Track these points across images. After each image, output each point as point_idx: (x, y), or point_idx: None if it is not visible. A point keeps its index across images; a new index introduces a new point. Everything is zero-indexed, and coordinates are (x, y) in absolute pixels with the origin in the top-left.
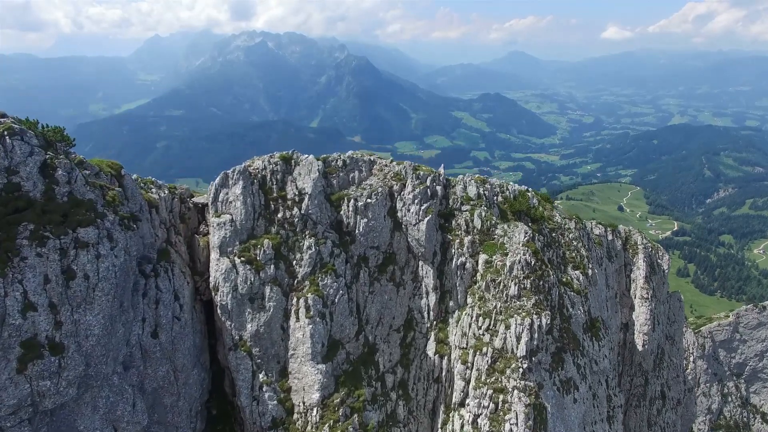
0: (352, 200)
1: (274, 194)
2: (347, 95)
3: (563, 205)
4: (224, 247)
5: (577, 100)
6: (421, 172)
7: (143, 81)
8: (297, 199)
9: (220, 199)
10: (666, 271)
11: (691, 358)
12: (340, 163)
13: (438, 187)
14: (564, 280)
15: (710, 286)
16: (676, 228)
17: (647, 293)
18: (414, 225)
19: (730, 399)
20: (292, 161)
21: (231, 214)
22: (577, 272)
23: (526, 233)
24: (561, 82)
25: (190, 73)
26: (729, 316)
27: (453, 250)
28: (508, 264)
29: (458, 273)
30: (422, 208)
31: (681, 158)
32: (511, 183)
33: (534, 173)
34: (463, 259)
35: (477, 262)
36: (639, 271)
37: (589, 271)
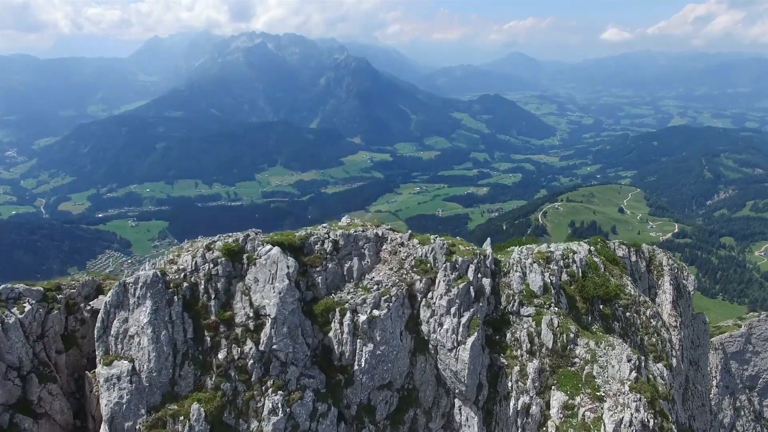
0: (348, 313)
1: (212, 317)
2: (347, 96)
3: (564, 207)
4: (120, 422)
5: (576, 101)
6: (459, 258)
7: (142, 82)
8: (252, 325)
9: (113, 332)
10: (691, 293)
11: (714, 382)
12: (328, 246)
13: (485, 281)
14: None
15: (712, 289)
16: (676, 230)
17: (675, 321)
18: (450, 350)
19: (742, 413)
20: (244, 257)
21: (132, 359)
22: (659, 365)
23: (630, 360)
24: (560, 84)
25: (189, 74)
26: (741, 326)
27: (509, 383)
28: (607, 423)
29: (518, 420)
30: (462, 321)
31: (681, 160)
32: (572, 247)
33: (534, 175)
34: (527, 398)
35: (548, 403)
36: (665, 296)
37: (674, 361)
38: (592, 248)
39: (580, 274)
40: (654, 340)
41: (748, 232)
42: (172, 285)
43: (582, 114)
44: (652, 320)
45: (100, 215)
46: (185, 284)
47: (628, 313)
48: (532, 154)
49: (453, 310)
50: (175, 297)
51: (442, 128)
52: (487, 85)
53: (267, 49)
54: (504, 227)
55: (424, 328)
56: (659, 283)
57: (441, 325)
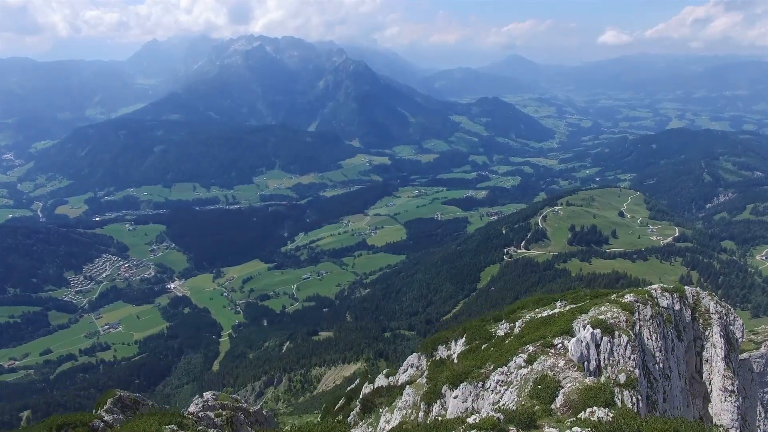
0: None
1: None
2: (345, 99)
3: (564, 210)
4: None
5: (575, 104)
6: None
7: (141, 85)
8: None
9: None
10: (740, 340)
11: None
12: None
13: None
14: None
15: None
16: (677, 234)
17: (731, 384)
18: None
19: None
20: None
21: None
22: None
23: None
24: (559, 86)
25: (187, 77)
26: (760, 346)
27: None
28: None
29: None
30: None
31: (680, 162)
32: None
33: (533, 177)
34: None
35: None
36: (715, 350)
37: None
38: None
39: None
40: None
41: (749, 235)
42: None
43: (581, 117)
44: None
45: (97, 219)
46: None
47: None
48: (530, 156)
49: None
50: None
51: (440, 131)
52: (486, 88)
53: (265, 52)
54: (503, 231)
55: None
56: (707, 334)
57: None
